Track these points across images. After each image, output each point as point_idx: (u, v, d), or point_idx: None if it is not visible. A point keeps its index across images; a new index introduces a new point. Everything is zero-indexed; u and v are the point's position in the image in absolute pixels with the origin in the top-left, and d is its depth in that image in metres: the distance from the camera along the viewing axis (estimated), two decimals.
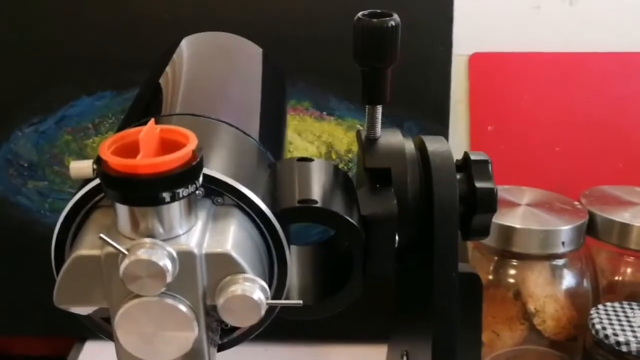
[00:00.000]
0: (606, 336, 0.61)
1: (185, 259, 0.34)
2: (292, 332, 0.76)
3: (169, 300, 0.34)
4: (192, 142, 0.34)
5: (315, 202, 0.40)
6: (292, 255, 0.41)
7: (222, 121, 0.44)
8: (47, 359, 0.85)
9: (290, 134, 0.77)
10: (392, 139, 0.46)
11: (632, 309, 0.65)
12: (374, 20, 0.42)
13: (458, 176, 0.44)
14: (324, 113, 0.77)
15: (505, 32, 0.83)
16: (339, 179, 0.45)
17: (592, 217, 0.70)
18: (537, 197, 0.71)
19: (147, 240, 0.33)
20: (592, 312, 0.64)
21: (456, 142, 0.82)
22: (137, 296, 0.34)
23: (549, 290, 0.67)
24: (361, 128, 0.47)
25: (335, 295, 0.43)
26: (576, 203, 0.71)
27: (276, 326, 0.41)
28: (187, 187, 0.34)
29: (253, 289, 0.35)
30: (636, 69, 0.83)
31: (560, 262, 0.68)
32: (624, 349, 0.60)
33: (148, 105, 0.50)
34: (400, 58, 0.43)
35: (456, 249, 0.44)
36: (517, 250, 0.67)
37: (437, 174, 0.43)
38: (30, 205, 0.77)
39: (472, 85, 0.83)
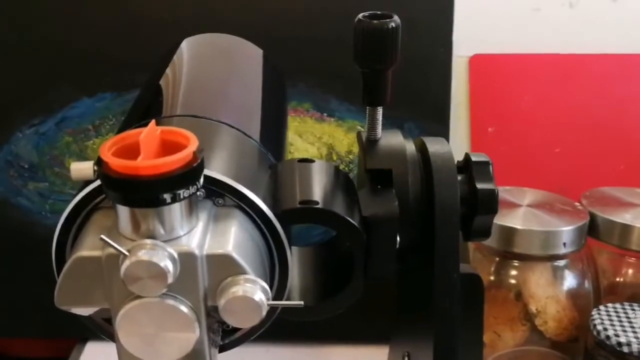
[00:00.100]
0: (607, 337, 0.61)
1: (186, 260, 0.34)
2: (293, 333, 0.76)
3: (170, 301, 0.34)
4: (193, 144, 0.34)
5: (317, 203, 0.40)
6: (293, 256, 0.41)
7: (222, 122, 0.44)
8: None
9: (291, 136, 0.77)
10: (393, 140, 0.46)
11: (633, 309, 0.64)
12: (375, 21, 0.42)
13: (459, 177, 0.44)
14: (325, 114, 0.77)
15: (506, 34, 0.83)
16: (340, 180, 0.45)
17: (593, 218, 0.70)
18: (538, 198, 0.71)
19: (148, 241, 0.33)
20: (593, 313, 0.64)
21: (457, 144, 0.82)
22: (138, 297, 0.34)
23: (550, 291, 0.67)
24: (362, 129, 0.47)
25: (337, 296, 0.43)
26: (577, 204, 0.71)
27: (277, 327, 0.41)
28: (188, 188, 0.34)
29: (254, 290, 0.35)
30: (636, 70, 0.83)
31: (561, 263, 0.68)
32: (625, 349, 0.60)
33: (148, 107, 0.50)
34: (400, 59, 0.43)
35: (457, 249, 0.44)
36: (519, 251, 0.67)
37: (438, 175, 0.43)
38: (30, 206, 0.77)
39: (473, 87, 0.83)
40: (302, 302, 0.38)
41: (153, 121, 0.36)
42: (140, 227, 0.34)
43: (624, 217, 0.69)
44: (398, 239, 0.43)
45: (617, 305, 0.65)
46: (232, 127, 0.44)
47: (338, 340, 0.78)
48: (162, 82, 0.52)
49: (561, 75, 0.83)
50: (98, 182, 0.36)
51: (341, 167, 0.75)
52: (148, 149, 0.34)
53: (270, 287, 0.38)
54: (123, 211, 0.34)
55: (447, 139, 0.46)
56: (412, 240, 0.44)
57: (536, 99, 0.83)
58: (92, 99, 0.76)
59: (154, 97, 0.51)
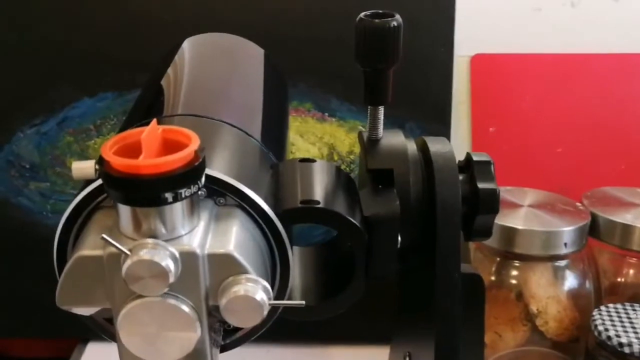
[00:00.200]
0: (609, 337, 0.61)
1: (188, 259, 0.34)
2: (294, 333, 0.76)
3: (172, 301, 0.34)
4: (195, 143, 0.34)
5: (318, 202, 0.40)
6: (295, 256, 0.41)
7: (224, 122, 0.44)
8: None
9: (293, 136, 0.77)
10: (394, 139, 0.46)
11: (634, 310, 0.64)
12: (376, 20, 0.42)
13: (460, 177, 0.44)
14: (326, 114, 0.77)
15: (507, 33, 0.83)
16: (341, 180, 0.45)
17: (594, 218, 0.70)
18: (539, 198, 0.71)
19: (150, 240, 0.33)
20: (594, 313, 0.64)
21: (458, 144, 0.82)
22: (140, 296, 0.34)
23: (551, 292, 0.67)
24: (363, 129, 0.47)
25: (338, 296, 0.43)
26: (578, 204, 0.71)
27: (278, 327, 0.41)
28: (190, 188, 0.34)
29: (256, 290, 0.34)
30: (638, 69, 0.83)
31: (562, 263, 0.68)
32: (626, 350, 0.60)
33: (150, 106, 0.50)
34: (401, 59, 0.43)
35: (459, 249, 0.44)
36: (520, 251, 0.67)
37: (439, 174, 0.43)
38: (32, 206, 0.77)
39: (474, 87, 0.83)
40: (303, 302, 0.38)
41: (154, 120, 0.36)
42: (142, 226, 0.34)
43: (625, 218, 0.69)
44: (399, 238, 0.43)
45: (618, 306, 0.65)
46: (234, 126, 0.44)
47: (339, 341, 0.78)
48: (163, 81, 0.52)
49: (562, 75, 0.83)
50: (99, 182, 0.36)
51: (342, 167, 0.75)
52: (149, 148, 0.34)
53: (272, 287, 0.38)
54: (124, 210, 0.34)
55: (448, 139, 0.46)
56: (413, 240, 0.44)
57: (537, 99, 0.83)
58: (93, 98, 0.76)
59: (155, 96, 0.51)
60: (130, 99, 0.76)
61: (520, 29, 0.83)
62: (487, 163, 0.45)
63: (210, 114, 0.45)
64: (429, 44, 0.76)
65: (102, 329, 0.39)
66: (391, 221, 0.42)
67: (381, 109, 0.45)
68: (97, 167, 0.35)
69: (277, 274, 0.40)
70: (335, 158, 0.77)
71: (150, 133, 0.34)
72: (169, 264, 0.33)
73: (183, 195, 0.33)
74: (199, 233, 0.35)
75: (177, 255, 0.34)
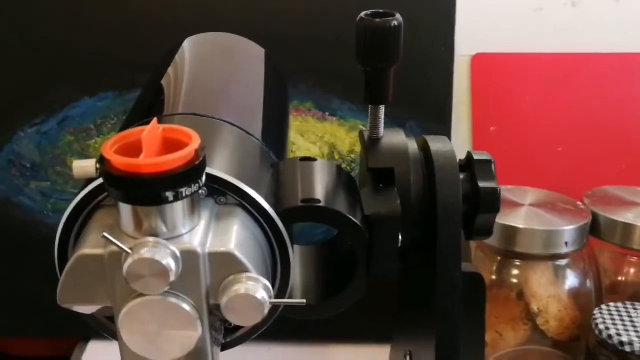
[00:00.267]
0: (610, 336, 0.61)
1: (189, 258, 0.34)
2: (294, 332, 0.76)
3: (173, 299, 0.34)
4: (195, 142, 0.34)
5: (319, 201, 0.40)
6: (296, 255, 0.41)
7: (225, 121, 0.44)
8: None
9: (293, 135, 0.77)
10: (395, 139, 0.46)
11: (635, 309, 0.64)
12: (377, 20, 0.42)
13: (461, 176, 0.44)
14: (327, 114, 0.77)
15: (508, 33, 0.83)
16: (342, 179, 0.45)
17: (595, 217, 0.70)
18: (540, 198, 0.71)
19: (151, 239, 0.33)
20: (595, 312, 0.64)
21: (458, 143, 0.82)
22: (141, 295, 0.34)
23: (552, 291, 0.67)
24: (364, 128, 0.47)
25: (339, 295, 0.43)
26: (579, 203, 0.71)
27: (279, 326, 0.41)
28: (190, 187, 0.34)
29: (256, 288, 0.35)
30: (639, 69, 0.83)
31: (563, 262, 0.68)
32: (627, 349, 0.60)
33: (150, 106, 0.50)
34: (402, 59, 0.43)
35: (459, 248, 0.44)
36: (520, 250, 0.67)
37: (440, 173, 0.43)
38: (32, 205, 0.77)
39: (475, 86, 0.83)
40: (304, 301, 0.38)
41: (155, 119, 0.36)
42: (143, 225, 0.34)
43: (626, 217, 0.69)
44: (400, 237, 0.43)
45: (619, 305, 0.65)
46: (234, 125, 0.44)
47: (340, 340, 0.78)
48: (164, 81, 0.52)
49: (563, 74, 0.83)
50: (100, 181, 0.36)
51: (343, 166, 0.75)
52: (150, 147, 0.34)
53: (273, 286, 0.38)
54: (125, 209, 0.34)
55: (449, 139, 0.46)
56: (414, 238, 0.44)
57: (538, 99, 0.83)
58: (93, 98, 0.76)
59: (156, 96, 0.51)
60: (130, 98, 0.76)
61: (521, 29, 0.83)
62: (488, 162, 0.45)
63: (210, 113, 0.45)
64: (430, 44, 0.76)
65: (103, 327, 0.39)
66: (392, 220, 0.42)
67: (382, 108, 0.45)
68: (98, 166, 0.35)
69: (278, 272, 0.40)
70: (336, 157, 0.77)
71: (151, 132, 0.34)
72: (170, 262, 0.33)
73: (184, 194, 0.33)
74: (200, 232, 0.35)
75: (178, 254, 0.34)
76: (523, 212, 0.68)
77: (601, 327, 0.62)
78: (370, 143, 0.46)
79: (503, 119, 0.83)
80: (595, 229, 0.70)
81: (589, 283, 0.70)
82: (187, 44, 0.58)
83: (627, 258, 0.71)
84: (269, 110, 0.52)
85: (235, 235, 0.36)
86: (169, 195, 0.33)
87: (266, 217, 0.38)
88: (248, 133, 0.44)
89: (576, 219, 0.67)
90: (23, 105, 0.76)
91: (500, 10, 0.82)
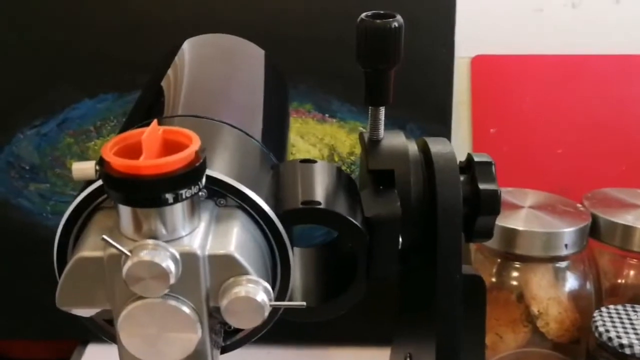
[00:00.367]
0: (609, 339, 0.61)
1: (188, 260, 0.34)
2: (295, 335, 0.76)
3: (172, 302, 0.34)
4: (195, 143, 0.34)
5: (319, 203, 0.40)
6: (296, 257, 0.41)
7: (225, 123, 0.44)
8: None
9: (293, 137, 0.77)
10: (395, 140, 0.46)
11: (635, 311, 0.64)
12: (377, 21, 0.42)
13: (461, 178, 0.44)
14: (326, 115, 0.77)
15: (508, 34, 0.83)
16: (342, 181, 0.45)
17: (595, 219, 0.69)
18: (539, 200, 0.71)
19: (150, 241, 0.33)
20: (595, 314, 0.64)
21: (458, 145, 0.82)
22: (140, 298, 0.34)
23: (552, 293, 0.67)
24: (363, 130, 0.47)
25: (339, 297, 0.43)
26: (579, 205, 0.71)
27: (279, 329, 0.41)
28: (190, 189, 0.34)
29: (256, 291, 0.34)
30: (639, 70, 0.83)
31: (563, 264, 0.68)
32: (627, 351, 0.60)
33: (150, 107, 0.50)
34: (402, 60, 0.43)
35: (460, 250, 0.44)
36: (520, 252, 0.67)
37: (440, 175, 0.43)
38: (31, 207, 0.77)
39: (475, 88, 0.83)
40: (304, 303, 0.38)
41: (155, 121, 0.36)
42: (142, 227, 0.34)
43: (626, 219, 0.69)
44: (400, 239, 0.43)
45: (619, 307, 0.65)
46: (234, 127, 0.44)
47: (340, 342, 0.78)
48: (163, 82, 0.52)
49: (563, 76, 0.83)
50: (99, 183, 0.36)
51: (343, 168, 0.75)
52: (150, 149, 0.34)
53: (273, 288, 0.38)
54: (125, 211, 0.34)
55: (449, 140, 0.46)
56: (414, 240, 0.44)
57: (538, 100, 0.83)
58: (93, 100, 0.76)
59: (155, 97, 0.51)
60: (130, 100, 0.75)
61: (521, 30, 0.83)
62: (488, 164, 0.45)
63: (210, 114, 0.45)
64: (430, 45, 0.76)
65: (102, 330, 0.39)
66: (392, 222, 0.42)
67: (382, 110, 0.45)
68: (97, 167, 0.35)
69: (278, 275, 0.40)
70: (336, 159, 0.77)
71: (151, 134, 0.34)
72: (169, 265, 0.33)
73: (184, 196, 0.33)
74: (200, 234, 0.35)
75: (178, 256, 0.33)
76: (523, 214, 0.68)
77: (601, 329, 0.62)
78: (370, 145, 0.46)
79: (503, 121, 0.83)
80: (595, 231, 0.70)
81: (588, 285, 0.70)
82: (187, 46, 0.58)
83: (627, 260, 0.71)
84: (269, 111, 0.52)
85: (235, 238, 0.36)
86: (169, 197, 0.33)
87: (266, 219, 0.38)
88: (248, 135, 0.44)
89: (576, 221, 0.67)
90: (22, 107, 0.76)
91: (500, 11, 0.82)
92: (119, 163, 0.32)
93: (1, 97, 0.77)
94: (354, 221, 0.40)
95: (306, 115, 0.77)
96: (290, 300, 0.41)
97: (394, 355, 0.56)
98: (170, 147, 0.35)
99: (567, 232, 0.66)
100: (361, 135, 0.47)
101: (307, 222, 0.40)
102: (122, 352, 0.36)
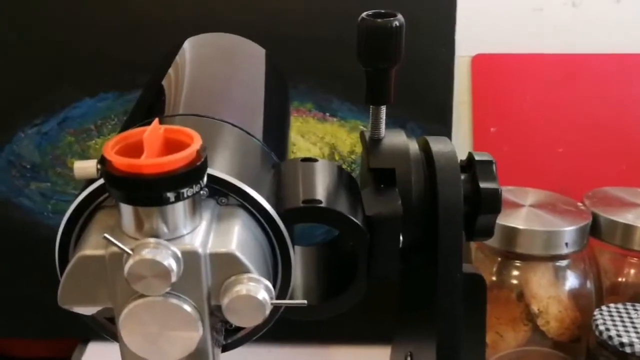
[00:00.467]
0: (610, 337, 0.61)
1: (190, 258, 0.34)
2: (295, 333, 0.76)
3: (174, 300, 0.34)
4: (197, 142, 0.34)
5: (320, 202, 0.40)
6: (296, 256, 0.41)
7: (226, 122, 0.44)
8: None
9: (294, 136, 0.77)
10: (396, 139, 0.46)
11: (635, 310, 0.64)
12: (378, 20, 0.42)
13: (462, 177, 0.44)
14: (327, 114, 0.77)
15: (508, 33, 0.83)
16: (343, 180, 0.45)
17: (595, 218, 0.69)
18: (540, 198, 0.71)
19: (152, 240, 0.33)
20: (595, 313, 0.64)
21: (459, 144, 0.82)
22: (142, 296, 0.34)
23: (552, 291, 0.67)
24: (364, 129, 0.47)
25: (340, 296, 0.43)
26: (579, 204, 0.71)
27: (280, 327, 0.41)
28: (192, 187, 0.34)
29: (258, 289, 0.34)
30: (639, 70, 0.83)
31: (563, 263, 0.68)
32: (627, 350, 0.60)
33: (151, 106, 0.50)
34: (403, 59, 0.43)
35: (460, 249, 0.44)
36: (521, 251, 0.67)
37: (441, 174, 0.43)
38: (32, 206, 0.77)
39: (475, 87, 0.83)
40: (305, 301, 0.38)
41: (156, 120, 0.36)
42: (144, 225, 0.34)
43: (626, 218, 0.69)
44: (401, 238, 0.43)
45: (619, 306, 0.65)
46: (235, 126, 0.44)
47: (341, 340, 0.78)
48: (164, 81, 0.52)
49: (563, 75, 0.83)
50: (101, 181, 0.36)
51: (344, 167, 0.75)
52: (151, 148, 0.34)
53: (274, 287, 0.38)
54: (126, 210, 0.34)
55: (449, 139, 0.46)
56: (415, 239, 0.44)
57: (538, 99, 0.83)
58: (93, 99, 0.76)
59: (156, 96, 0.51)
60: (131, 99, 0.75)
61: (521, 29, 0.83)
62: (489, 163, 0.45)
63: (211, 113, 0.45)
64: (430, 44, 0.76)
65: (104, 328, 0.39)
66: (393, 221, 0.42)
67: (383, 109, 0.45)
68: (99, 166, 0.35)
69: (279, 273, 0.40)
70: (337, 158, 0.77)
71: (152, 132, 0.34)
72: (171, 263, 0.33)
73: (185, 195, 0.33)
74: (201, 232, 0.35)
75: (179, 254, 0.34)
76: (523, 213, 0.68)
77: (601, 328, 0.62)
78: (372, 143, 0.46)
79: (503, 120, 0.83)
80: (595, 229, 0.70)
81: (589, 284, 0.70)
82: (188, 45, 0.58)
83: (628, 259, 0.71)
84: (270, 110, 0.52)
85: (236, 236, 0.36)
86: (170, 195, 0.33)
87: (267, 217, 0.38)
88: (249, 134, 0.44)
89: (576, 220, 0.67)
90: (23, 106, 0.76)
91: (500, 11, 0.82)
92: (120, 162, 0.33)
93: (1, 96, 0.77)
94: (355, 220, 0.40)
95: (307, 114, 0.77)
96: (291, 298, 0.41)
97: (394, 353, 0.56)
98: (171, 146, 0.35)
99: (568, 230, 0.66)
100: (362, 134, 0.47)
101: (308, 220, 0.41)
102: (124, 350, 0.36)
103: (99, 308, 0.36)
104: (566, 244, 0.66)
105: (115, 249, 0.33)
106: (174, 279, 0.33)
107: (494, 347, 0.69)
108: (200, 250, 0.34)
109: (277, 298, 0.40)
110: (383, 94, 0.44)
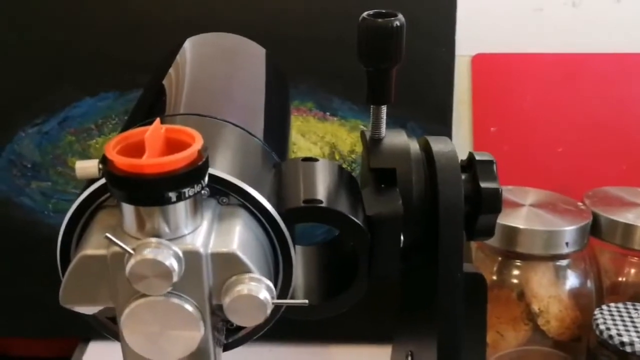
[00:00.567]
0: (610, 337, 0.61)
1: (191, 258, 0.34)
2: (296, 333, 0.76)
3: (175, 300, 0.34)
4: (198, 142, 0.34)
5: (321, 202, 0.40)
6: (297, 256, 0.41)
7: (227, 121, 0.44)
8: None
9: (294, 135, 0.77)
10: (397, 139, 0.46)
11: (636, 309, 0.64)
12: (379, 20, 0.42)
13: (463, 176, 0.44)
14: (327, 114, 0.77)
15: (508, 33, 0.83)
16: (344, 179, 0.45)
17: (595, 217, 0.70)
18: (540, 198, 0.71)
19: (153, 239, 0.33)
20: (596, 312, 0.64)
21: (459, 143, 0.82)
22: (143, 295, 0.34)
23: (552, 291, 0.67)
24: (364, 128, 0.47)
25: (340, 295, 0.43)
26: (580, 204, 0.71)
27: (281, 326, 0.41)
28: (193, 187, 0.34)
29: (259, 289, 0.35)
30: (639, 69, 0.83)
31: (564, 262, 0.68)
32: (628, 349, 0.60)
33: (152, 106, 0.50)
34: (403, 59, 0.43)
35: (461, 249, 0.44)
36: (521, 250, 0.67)
37: (442, 174, 0.43)
38: (33, 205, 0.77)
39: (475, 86, 0.83)
40: (306, 301, 0.38)
41: (158, 119, 0.36)
42: (145, 225, 0.34)
43: (627, 217, 0.69)
44: (402, 238, 0.43)
45: (620, 305, 0.65)
46: (236, 126, 0.44)
47: (341, 340, 0.78)
48: (165, 81, 0.52)
49: (564, 74, 0.83)
50: (102, 181, 0.36)
51: (344, 166, 0.75)
52: (153, 147, 0.34)
53: (275, 286, 0.38)
54: (128, 210, 0.34)
55: (450, 139, 0.46)
56: (415, 239, 0.44)
57: (539, 99, 0.83)
58: (94, 98, 0.76)
59: (157, 96, 0.51)
60: (131, 98, 0.76)
61: (521, 29, 0.83)
62: (490, 162, 0.45)
63: (213, 113, 0.45)
64: (430, 44, 0.76)
65: (105, 328, 0.39)
66: (394, 220, 0.42)
67: (384, 109, 0.45)
68: (100, 166, 0.35)
69: (280, 273, 0.40)
70: (337, 157, 0.77)
71: (154, 132, 0.34)
72: (172, 263, 0.33)
73: (186, 195, 0.33)
74: (203, 232, 0.35)
75: (181, 254, 0.34)
76: (524, 213, 0.68)
77: (602, 327, 0.62)
78: (372, 143, 0.46)
79: (503, 119, 0.83)
80: (595, 229, 0.70)
81: (589, 283, 0.70)
82: (188, 44, 0.58)
83: (628, 258, 0.71)
84: (271, 110, 0.52)
85: (237, 236, 0.36)
86: (172, 195, 0.33)
87: (268, 217, 0.38)
88: (250, 133, 0.44)
89: (577, 220, 0.67)
90: (23, 105, 0.76)
91: (500, 10, 0.82)
92: (122, 162, 0.33)
93: (2, 96, 0.77)
94: (355, 220, 0.40)
95: (307, 113, 0.77)
96: (292, 298, 0.41)
97: (395, 353, 0.56)
98: (172, 145, 0.35)
99: (568, 230, 0.66)
100: (363, 133, 0.47)
101: (309, 220, 0.41)
102: (126, 349, 0.36)
103: (100, 307, 0.36)
104: (566, 243, 0.66)
105: (116, 248, 0.33)
106: (175, 278, 0.33)
107: (495, 346, 0.69)
108: (201, 250, 0.34)
109: (278, 298, 0.40)
110: (384, 93, 0.44)
